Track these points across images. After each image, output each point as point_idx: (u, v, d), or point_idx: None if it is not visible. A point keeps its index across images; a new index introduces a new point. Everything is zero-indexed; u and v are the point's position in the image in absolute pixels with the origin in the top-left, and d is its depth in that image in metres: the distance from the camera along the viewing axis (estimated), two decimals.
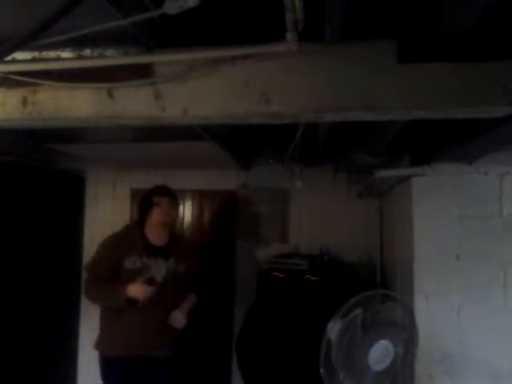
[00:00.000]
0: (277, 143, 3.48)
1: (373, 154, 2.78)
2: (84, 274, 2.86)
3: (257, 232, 3.99)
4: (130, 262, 2.68)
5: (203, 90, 1.68)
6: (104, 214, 4.24)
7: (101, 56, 1.66)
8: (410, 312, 1.98)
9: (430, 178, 2.47)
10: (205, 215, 4.12)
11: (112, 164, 4.03)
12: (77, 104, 1.76)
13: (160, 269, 2.66)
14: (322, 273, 3.28)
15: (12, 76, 1.74)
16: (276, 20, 1.37)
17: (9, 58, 1.48)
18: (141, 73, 1.70)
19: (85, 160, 3.95)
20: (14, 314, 3.45)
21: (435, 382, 2.42)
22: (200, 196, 4.11)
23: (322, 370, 1.81)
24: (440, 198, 2.47)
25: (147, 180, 4.19)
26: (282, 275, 3.29)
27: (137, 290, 2.58)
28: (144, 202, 2.91)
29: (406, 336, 1.90)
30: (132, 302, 2.61)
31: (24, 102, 1.80)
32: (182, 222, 4.12)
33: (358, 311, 1.80)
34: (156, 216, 2.83)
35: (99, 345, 2.81)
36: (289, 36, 1.40)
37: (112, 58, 1.66)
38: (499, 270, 2.41)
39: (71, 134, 2.80)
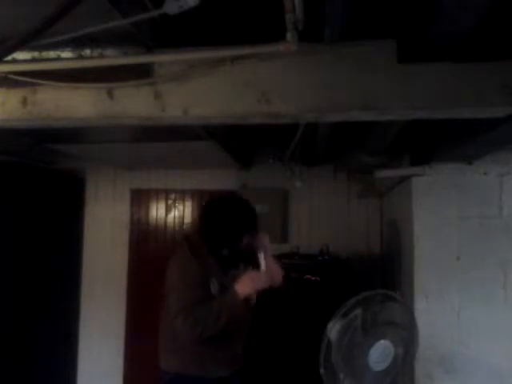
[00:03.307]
0: (277, 143, 3.48)
1: (373, 154, 2.78)
2: (180, 317, 2.16)
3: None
4: (214, 286, 2.24)
5: (203, 89, 1.68)
6: (104, 214, 4.24)
7: (101, 56, 1.66)
8: (410, 312, 1.98)
9: (430, 177, 2.47)
10: None
11: (112, 164, 4.03)
12: (77, 104, 1.76)
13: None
14: (322, 273, 3.28)
15: (12, 76, 1.74)
16: (276, 20, 1.37)
17: (9, 57, 1.48)
18: (141, 73, 1.70)
19: (85, 160, 3.95)
20: (13, 314, 3.44)
21: (435, 382, 2.42)
22: (200, 196, 4.11)
23: (321, 370, 1.81)
24: (440, 198, 2.47)
25: (147, 180, 4.23)
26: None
27: (245, 281, 2.16)
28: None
29: (406, 336, 1.90)
30: (247, 301, 2.24)
31: (24, 102, 1.80)
32: (183, 223, 4.12)
33: (358, 311, 1.80)
34: None
35: (184, 365, 2.29)
36: (289, 36, 1.40)
37: (112, 57, 1.66)
38: (499, 270, 2.41)
39: (71, 134, 2.80)
